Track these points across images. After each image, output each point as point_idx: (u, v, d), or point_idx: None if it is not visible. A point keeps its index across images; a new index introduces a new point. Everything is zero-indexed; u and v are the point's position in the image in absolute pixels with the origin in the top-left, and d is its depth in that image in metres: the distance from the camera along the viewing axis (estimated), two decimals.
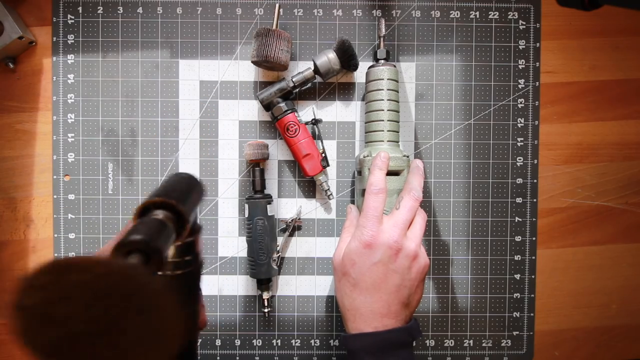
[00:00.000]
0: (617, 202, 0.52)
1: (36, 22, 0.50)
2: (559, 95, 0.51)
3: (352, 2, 0.50)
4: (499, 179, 0.51)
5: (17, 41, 0.47)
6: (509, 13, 0.50)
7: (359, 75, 0.50)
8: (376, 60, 0.46)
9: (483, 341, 0.51)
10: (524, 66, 0.51)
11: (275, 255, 0.47)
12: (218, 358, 0.50)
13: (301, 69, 0.48)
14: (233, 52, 0.50)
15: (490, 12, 0.50)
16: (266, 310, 0.49)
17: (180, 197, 0.24)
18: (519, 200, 0.51)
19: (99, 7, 0.49)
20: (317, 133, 0.49)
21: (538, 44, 0.51)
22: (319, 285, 0.51)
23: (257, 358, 0.50)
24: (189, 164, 0.50)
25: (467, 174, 0.51)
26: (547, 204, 0.51)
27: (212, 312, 0.50)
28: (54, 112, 0.50)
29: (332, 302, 0.51)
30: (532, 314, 0.51)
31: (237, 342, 0.50)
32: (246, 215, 0.47)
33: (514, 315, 0.51)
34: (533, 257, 0.51)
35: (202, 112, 0.50)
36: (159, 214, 0.23)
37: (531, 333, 0.51)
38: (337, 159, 0.50)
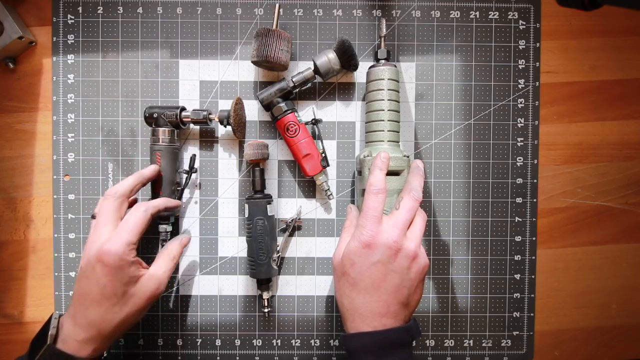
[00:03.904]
0: (617, 202, 0.52)
1: (36, 22, 0.50)
2: (559, 95, 0.51)
3: (352, 2, 0.50)
4: (499, 179, 0.51)
5: (17, 41, 0.47)
6: (509, 13, 0.50)
7: (359, 75, 0.50)
8: (377, 60, 0.46)
9: (483, 341, 0.51)
10: (524, 66, 0.51)
11: (275, 255, 0.47)
12: (218, 358, 0.50)
13: (301, 69, 0.48)
14: (233, 52, 0.50)
15: (490, 12, 0.50)
16: (266, 310, 0.49)
17: None
18: (519, 200, 0.51)
19: (99, 7, 0.49)
20: (317, 133, 0.49)
21: (538, 44, 0.51)
22: (319, 285, 0.51)
23: (257, 358, 0.50)
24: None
25: (467, 174, 0.51)
26: (547, 204, 0.51)
27: (212, 312, 0.50)
28: (54, 112, 0.50)
29: (332, 302, 0.51)
30: (532, 314, 0.51)
31: (237, 342, 0.50)
32: (246, 215, 0.47)
33: (514, 315, 0.51)
34: (533, 257, 0.51)
35: None
36: None
37: (531, 333, 0.51)
38: (337, 159, 0.50)
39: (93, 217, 0.41)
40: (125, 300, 0.39)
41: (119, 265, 0.37)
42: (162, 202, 0.44)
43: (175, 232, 0.50)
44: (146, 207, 0.41)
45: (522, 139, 0.51)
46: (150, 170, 0.45)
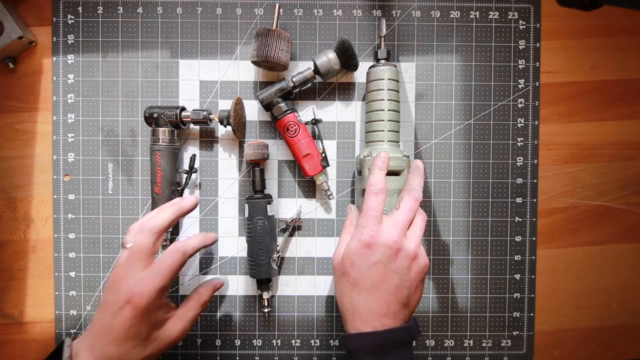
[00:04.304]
0: (617, 202, 0.52)
1: (36, 22, 0.50)
2: (559, 95, 0.51)
3: (352, 2, 0.50)
4: (499, 179, 0.51)
5: (17, 41, 0.47)
6: (509, 13, 0.50)
7: (359, 75, 0.50)
8: (377, 60, 0.46)
9: (483, 341, 0.51)
10: (524, 66, 0.51)
11: (275, 255, 0.47)
12: (218, 358, 0.50)
13: (301, 69, 0.48)
14: (233, 52, 0.50)
15: (490, 12, 0.50)
16: (266, 310, 0.49)
17: None
18: (519, 200, 0.51)
19: (99, 7, 0.49)
20: (317, 133, 0.49)
21: (538, 44, 0.51)
22: (319, 285, 0.51)
23: (257, 358, 0.50)
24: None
25: (467, 174, 0.51)
26: (547, 204, 0.51)
27: (212, 312, 0.50)
28: (54, 112, 0.50)
29: (332, 302, 0.51)
30: (532, 314, 0.51)
31: (237, 342, 0.50)
32: (246, 215, 0.47)
33: (514, 315, 0.51)
34: (533, 257, 0.51)
35: None
36: None
37: (531, 333, 0.51)
38: (337, 159, 0.50)
39: (123, 245, 0.39)
40: (148, 343, 0.38)
41: (148, 309, 0.37)
42: (200, 240, 0.42)
43: (175, 231, 0.50)
44: (184, 250, 0.39)
45: (522, 139, 0.51)
46: (189, 202, 0.43)
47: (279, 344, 0.50)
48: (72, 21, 0.49)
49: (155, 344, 0.38)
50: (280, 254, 0.48)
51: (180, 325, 0.40)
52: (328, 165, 0.48)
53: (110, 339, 0.37)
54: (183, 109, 0.47)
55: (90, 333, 0.38)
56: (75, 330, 0.50)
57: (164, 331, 0.39)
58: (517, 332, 0.51)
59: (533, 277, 0.51)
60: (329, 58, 0.46)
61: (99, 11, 0.49)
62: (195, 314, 0.42)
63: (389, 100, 0.44)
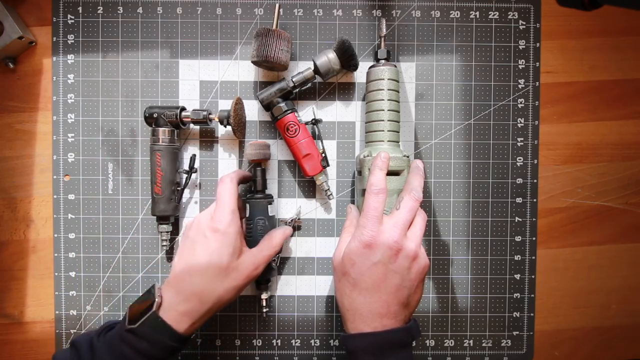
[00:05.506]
0: (617, 202, 0.52)
1: (36, 22, 0.50)
2: (559, 95, 0.51)
3: (352, 2, 0.50)
4: (499, 179, 0.51)
5: (17, 41, 0.47)
6: (509, 13, 0.50)
7: (359, 75, 0.50)
8: (377, 60, 0.46)
9: (483, 341, 0.51)
10: (524, 66, 0.51)
11: (275, 256, 0.47)
12: (218, 358, 0.50)
13: (301, 69, 0.48)
14: (233, 52, 0.50)
15: (490, 12, 0.50)
16: (264, 310, 0.49)
17: None
18: (519, 200, 0.51)
19: (99, 7, 0.49)
20: (317, 133, 0.49)
21: (538, 44, 0.51)
22: (319, 285, 0.51)
23: (257, 358, 0.50)
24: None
25: (467, 174, 0.51)
26: (547, 204, 0.51)
27: None
28: (54, 112, 0.50)
29: (332, 302, 0.51)
30: (532, 314, 0.51)
31: (237, 342, 0.50)
32: (247, 215, 0.47)
33: (514, 315, 0.51)
34: (533, 257, 0.51)
35: None
36: None
37: (531, 333, 0.51)
38: (337, 159, 0.50)
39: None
40: (228, 272, 0.40)
41: (227, 231, 0.40)
42: (238, 171, 0.46)
43: (175, 232, 0.50)
44: (230, 178, 0.43)
45: (522, 139, 0.51)
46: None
47: (279, 344, 0.50)
48: (72, 21, 0.49)
49: (233, 275, 0.40)
50: (280, 254, 0.48)
51: (254, 260, 0.42)
52: (328, 165, 0.48)
53: (194, 271, 0.39)
54: (183, 109, 0.47)
55: (173, 276, 0.40)
56: (75, 330, 0.50)
57: (240, 262, 0.41)
58: (517, 332, 0.51)
59: (533, 277, 0.51)
60: (329, 58, 0.46)
61: (99, 11, 0.49)
62: (268, 254, 0.43)
63: (389, 100, 0.44)
